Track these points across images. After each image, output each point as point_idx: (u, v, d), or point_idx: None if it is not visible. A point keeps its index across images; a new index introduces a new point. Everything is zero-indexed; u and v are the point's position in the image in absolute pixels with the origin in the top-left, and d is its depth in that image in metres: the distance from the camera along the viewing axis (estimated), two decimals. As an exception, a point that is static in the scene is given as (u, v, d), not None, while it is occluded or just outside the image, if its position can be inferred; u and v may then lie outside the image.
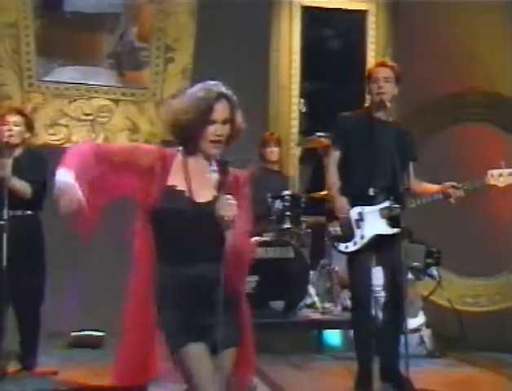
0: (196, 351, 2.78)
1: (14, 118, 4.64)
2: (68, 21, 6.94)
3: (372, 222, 4.29)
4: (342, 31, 7.38)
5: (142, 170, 2.79)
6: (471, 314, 6.27)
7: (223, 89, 2.87)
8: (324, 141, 5.68)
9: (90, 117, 6.95)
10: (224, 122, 2.83)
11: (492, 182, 4.14)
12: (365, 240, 4.28)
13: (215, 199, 2.79)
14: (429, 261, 5.52)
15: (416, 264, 5.46)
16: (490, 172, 4.16)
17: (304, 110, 7.04)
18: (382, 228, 4.26)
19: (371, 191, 4.23)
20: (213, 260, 2.79)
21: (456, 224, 6.04)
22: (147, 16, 6.96)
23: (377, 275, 4.52)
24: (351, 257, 4.37)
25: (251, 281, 5.32)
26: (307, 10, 7.24)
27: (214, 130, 2.82)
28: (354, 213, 4.30)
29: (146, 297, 2.82)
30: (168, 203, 2.80)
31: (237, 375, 2.92)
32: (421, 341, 5.33)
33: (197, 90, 2.84)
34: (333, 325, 5.65)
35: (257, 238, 5.58)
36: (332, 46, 7.36)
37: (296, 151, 6.92)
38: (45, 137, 6.78)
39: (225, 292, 2.76)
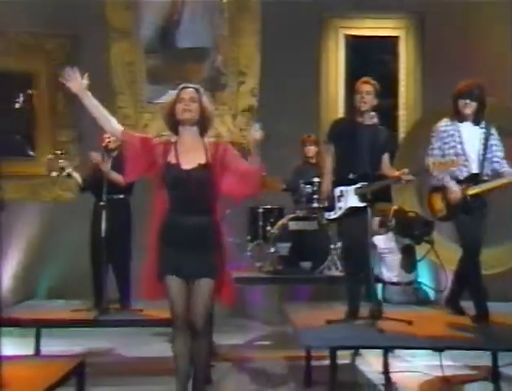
0: (174, 281, 3.46)
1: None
2: (177, 55, 7.73)
3: (348, 198, 4.90)
4: (378, 54, 7.73)
5: (153, 153, 3.55)
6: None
7: (191, 85, 3.57)
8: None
9: None
10: (191, 101, 3.51)
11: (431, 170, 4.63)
12: (342, 211, 4.91)
13: (199, 166, 3.49)
14: (425, 230, 6.08)
15: (416, 232, 6.07)
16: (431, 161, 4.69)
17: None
18: (355, 202, 4.86)
19: (350, 176, 4.82)
20: (198, 210, 3.47)
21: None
22: (227, 49, 7.67)
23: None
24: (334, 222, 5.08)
25: (286, 247, 6.00)
26: (349, 39, 7.72)
27: (183, 105, 3.53)
28: (337, 191, 4.94)
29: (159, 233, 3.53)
30: (167, 172, 3.53)
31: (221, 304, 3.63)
32: (413, 292, 5.90)
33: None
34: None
35: (291, 215, 6.19)
36: (369, 66, 7.53)
37: None
38: None
39: (204, 236, 3.45)
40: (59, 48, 7.43)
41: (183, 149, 3.52)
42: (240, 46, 7.59)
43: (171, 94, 3.59)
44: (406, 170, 4.73)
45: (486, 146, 4.86)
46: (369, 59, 7.69)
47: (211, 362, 4.67)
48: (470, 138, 4.91)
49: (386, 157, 4.94)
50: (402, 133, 7.81)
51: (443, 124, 4.94)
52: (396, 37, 7.69)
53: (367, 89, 4.89)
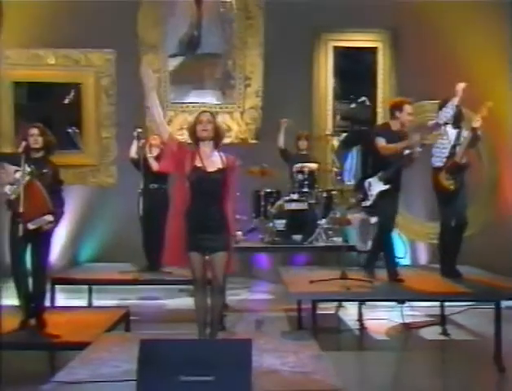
0: (195, 255, 3.91)
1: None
2: (197, 59, 8.08)
3: (375, 186, 5.14)
4: (360, 62, 8.03)
5: (182, 156, 3.94)
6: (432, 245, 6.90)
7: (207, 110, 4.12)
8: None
9: None
10: (207, 122, 3.95)
11: None
12: (374, 197, 5.14)
13: (218, 170, 3.92)
14: None
15: None
16: None
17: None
18: (381, 187, 5.10)
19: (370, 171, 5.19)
20: (215, 202, 3.92)
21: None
22: (235, 57, 8.07)
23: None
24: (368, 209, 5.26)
25: (282, 223, 6.45)
26: (337, 49, 8.04)
27: (202, 126, 3.96)
28: (366, 183, 5.18)
29: (182, 218, 3.93)
30: (194, 173, 3.93)
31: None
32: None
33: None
34: (334, 249, 6.23)
35: (286, 197, 6.56)
36: (353, 72, 7.98)
37: (331, 142, 7.26)
38: (177, 137, 8.17)
39: (219, 221, 3.92)
40: (105, 62, 7.87)
41: (204, 157, 3.99)
42: (246, 55, 7.95)
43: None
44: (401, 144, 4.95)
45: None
46: (353, 66, 7.96)
47: (224, 312, 5.12)
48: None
49: (378, 140, 5.05)
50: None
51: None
52: (375, 48, 7.99)
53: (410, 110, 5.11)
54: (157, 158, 5.79)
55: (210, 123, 3.98)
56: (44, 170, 4.39)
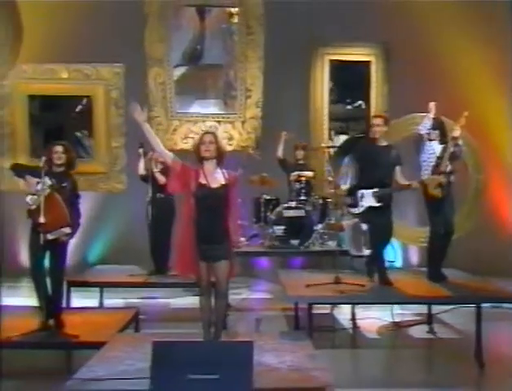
0: (201, 264, 4.10)
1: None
2: (199, 70, 8.29)
3: (368, 198, 5.32)
4: (355, 74, 8.23)
5: (187, 176, 4.11)
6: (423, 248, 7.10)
7: (210, 131, 4.34)
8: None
9: None
10: (210, 143, 4.14)
11: None
12: (363, 208, 5.34)
13: (221, 186, 4.08)
14: None
15: None
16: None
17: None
18: (373, 202, 5.29)
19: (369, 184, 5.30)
20: (218, 215, 4.09)
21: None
22: (236, 70, 8.27)
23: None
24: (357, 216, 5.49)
25: (280, 228, 6.67)
26: (333, 62, 8.24)
27: (204, 146, 4.14)
28: (359, 193, 5.34)
29: (189, 231, 4.09)
30: (199, 189, 4.10)
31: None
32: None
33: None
34: (329, 253, 6.43)
35: (285, 204, 6.77)
36: (348, 84, 8.21)
37: (327, 152, 7.29)
38: (181, 145, 8.14)
39: (222, 233, 4.09)
40: (114, 75, 8.09)
41: (208, 174, 4.18)
42: (247, 69, 8.16)
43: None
44: (415, 182, 5.28)
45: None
46: (348, 79, 8.18)
47: (227, 312, 5.13)
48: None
49: (397, 169, 5.33)
50: None
51: None
52: (369, 62, 8.20)
53: (377, 122, 5.38)
54: (162, 172, 5.97)
55: (212, 143, 4.17)
56: (64, 184, 4.65)
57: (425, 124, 5.64)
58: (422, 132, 5.64)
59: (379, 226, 5.39)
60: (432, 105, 5.66)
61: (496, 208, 8.15)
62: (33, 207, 4.53)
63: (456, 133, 5.49)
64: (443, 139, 5.61)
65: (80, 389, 3.51)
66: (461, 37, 8.01)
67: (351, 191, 5.51)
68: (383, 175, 5.31)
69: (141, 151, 6.17)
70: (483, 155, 7.86)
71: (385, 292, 5.29)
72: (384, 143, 5.44)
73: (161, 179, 5.98)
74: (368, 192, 5.35)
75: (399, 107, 7.78)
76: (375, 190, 5.30)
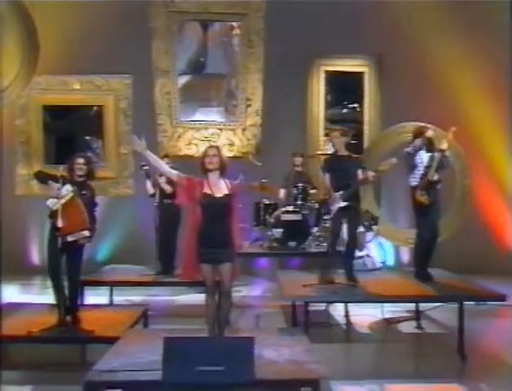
0: (206, 266, 4.29)
1: None
2: (203, 79, 8.53)
3: (336, 202, 5.60)
4: (349, 84, 8.44)
5: (193, 189, 4.30)
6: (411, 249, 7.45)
7: (214, 145, 4.52)
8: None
9: (207, 139, 8.38)
10: (213, 156, 4.34)
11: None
12: (334, 211, 5.63)
13: (225, 195, 4.27)
14: (372, 222, 7.22)
15: (366, 223, 7.15)
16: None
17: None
18: (340, 203, 5.59)
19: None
20: (222, 222, 4.29)
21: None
22: (238, 80, 8.51)
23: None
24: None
25: (279, 231, 6.88)
26: (328, 73, 8.47)
27: (208, 159, 4.34)
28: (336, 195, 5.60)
29: (194, 237, 4.28)
30: (204, 199, 4.29)
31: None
32: (364, 263, 6.94)
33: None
34: (323, 255, 6.28)
35: (283, 209, 6.99)
36: (342, 94, 8.44)
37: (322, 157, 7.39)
38: (185, 151, 8.43)
39: (226, 238, 4.29)
40: (123, 86, 8.33)
41: (212, 184, 4.38)
42: (247, 79, 8.38)
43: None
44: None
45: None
46: (343, 88, 8.41)
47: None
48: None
49: (359, 172, 5.62)
50: (366, 142, 8.53)
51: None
52: (362, 73, 8.40)
53: (335, 135, 5.79)
54: (168, 182, 6.11)
55: (216, 156, 4.38)
56: (84, 192, 4.89)
57: (417, 142, 5.76)
58: (413, 151, 5.79)
59: (349, 225, 5.66)
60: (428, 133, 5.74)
61: (481, 212, 8.37)
62: (55, 208, 4.71)
63: (444, 146, 5.73)
64: (430, 148, 5.82)
65: (98, 380, 3.75)
66: (452, 50, 8.21)
67: (325, 201, 5.83)
68: (348, 179, 5.56)
69: (143, 171, 6.29)
70: (469, 161, 8.03)
71: (371, 292, 5.48)
72: (345, 153, 5.74)
73: (168, 188, 6.17)
74: (335, 194, 5.64)
75: (390, 116, 8.02)
76: (340, 192, 5.58)
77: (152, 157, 4.49)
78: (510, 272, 7.58)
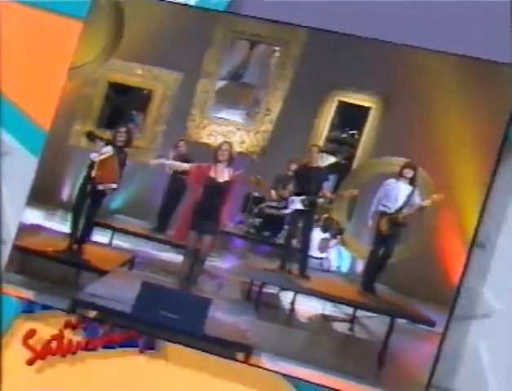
0: (192, 233, 4.76)
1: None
2: (237, 86, 8.23)
3: (296, 203, 6.16)
4: (356, 115, 8.10)
5: (201, 174, 4.75)
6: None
7: (228, 141, 5.33)
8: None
9: (225, 134, 7.69)
10: (225, 150, 4.89)
11: None
12: (290, 210, 6.23)
13: (225, 181, 4.73)
14: (338, 231, 6.87)
15: (332, 231, 6.78)
16: None
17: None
18: (300, 206, 6.21)
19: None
20: (217, 203, 4.72)
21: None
22: (265, 92, 8.32)
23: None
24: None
25: (259, 221, 6.93)
26: (340, 102, 7.95)
27: (221, 152, 4.88)
28: (290, 199, 6.16)
29: (191, 209, 4.78)
30: (208, 181, 4.80)
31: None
32: (322, 264, 6.65)
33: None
34: (283, 247, 6.51)
35: (268, 203, 6.99)
36: (348, 121, 8.09)
37: None
38: (205, 140, 7.39)
39: (216, 215, 4.99)
40: (173, 80, 8.44)
41: (218, 171, 5.16)
42: (273, 94, 8.36)
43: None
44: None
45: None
46: (349, 117, 8.19)
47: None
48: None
49: (324, 185, 6.10)
50: (355, 165, 7.80)
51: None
52: (369, 107, 8.16)
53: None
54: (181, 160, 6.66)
55: (227, 150, 5.14)
56: (120, 154, 5.72)
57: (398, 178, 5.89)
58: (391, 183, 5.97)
59: (304, 228, 6.12)
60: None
61: (439, 246, 7.21)
62: (95, 160, 5.50)
63: (426, 204, 5.74)
64: (413, 183, 5.84)
65: (83, 300, 4.57)
66: (454, 106, 7.27)
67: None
68: (312, 188, 6.05)
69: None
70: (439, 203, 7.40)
71: (319, 288, 5.92)
72: (315, 165, 6.27)
73: (181, 166, 6.61)
74: (297, 198, 6.15)
75: (383, 148, 7.65)
76: (303, 197, 6.12)
77: (170, 162, 5.45)
78: (449, 304, 7.20)
